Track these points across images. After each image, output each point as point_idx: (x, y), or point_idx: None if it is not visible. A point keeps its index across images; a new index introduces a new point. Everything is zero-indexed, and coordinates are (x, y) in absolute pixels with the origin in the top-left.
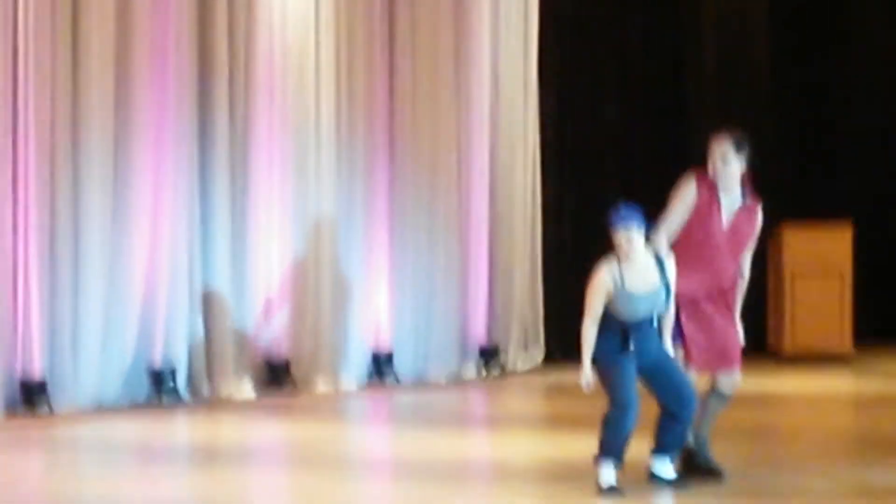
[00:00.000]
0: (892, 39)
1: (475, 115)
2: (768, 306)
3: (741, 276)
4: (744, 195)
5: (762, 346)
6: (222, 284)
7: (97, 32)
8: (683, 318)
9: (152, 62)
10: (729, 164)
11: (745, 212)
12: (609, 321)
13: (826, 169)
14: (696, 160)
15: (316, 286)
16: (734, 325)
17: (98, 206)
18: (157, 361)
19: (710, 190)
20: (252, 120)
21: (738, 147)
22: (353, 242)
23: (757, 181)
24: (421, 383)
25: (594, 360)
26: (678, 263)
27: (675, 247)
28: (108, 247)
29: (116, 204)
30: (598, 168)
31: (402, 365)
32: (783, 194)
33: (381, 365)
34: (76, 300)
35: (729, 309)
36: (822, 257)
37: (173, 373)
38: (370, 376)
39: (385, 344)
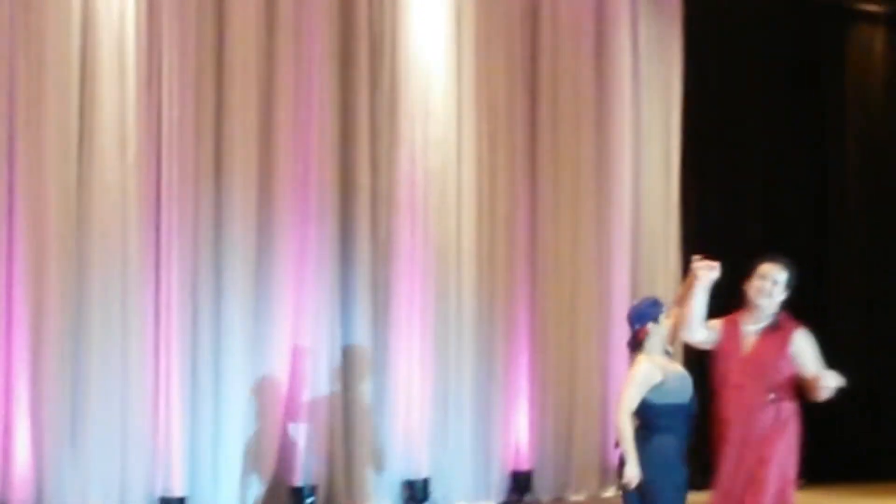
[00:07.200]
0: None
1: (616, 237)
2: None
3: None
4: (775, 321)
5: None
6: (363, 403)
7: (240, 152)
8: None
9: (295, 184)
10: (776, 295)
11: (771, 334)
12: None
13: None
14: (842, 289)
15: (457, 405)
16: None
17: (239, 326)
18: (297, 479)
19: (734, 324)
20: (394, 241)
21: (789, 283)
22: (494, 362)
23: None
24: (561, 503)
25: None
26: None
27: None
28: (249, 366)
29: (257, 324)
30: (737, 290)
31: (542, 484)
32: None
33: (520, 484)
34: (217, 418)
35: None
36: None
37: (313, 490)
38: (509, 495)
39: (524, 463)
